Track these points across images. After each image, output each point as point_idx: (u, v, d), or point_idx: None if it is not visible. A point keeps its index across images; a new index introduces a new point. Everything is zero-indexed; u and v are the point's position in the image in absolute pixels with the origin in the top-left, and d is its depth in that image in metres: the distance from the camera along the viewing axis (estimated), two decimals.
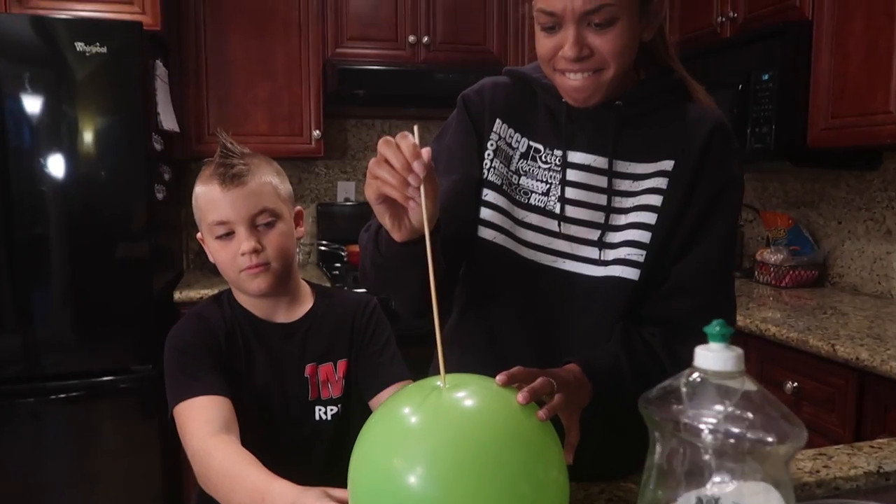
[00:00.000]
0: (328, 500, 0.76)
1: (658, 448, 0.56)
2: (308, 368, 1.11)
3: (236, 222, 1.03)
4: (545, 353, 0.97)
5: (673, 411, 0.54)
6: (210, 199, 1.04)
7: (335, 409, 1.13)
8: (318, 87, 2.88)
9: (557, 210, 0.98)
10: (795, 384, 1.81)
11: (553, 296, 0.99)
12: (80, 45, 2.15)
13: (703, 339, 0.97)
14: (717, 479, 0.52)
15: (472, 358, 1.02)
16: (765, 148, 2.21)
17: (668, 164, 0.96)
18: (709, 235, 0.96)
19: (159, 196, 2.43)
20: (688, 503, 0.57)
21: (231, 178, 1.03)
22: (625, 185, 0.98)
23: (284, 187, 1.10)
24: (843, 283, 2.46)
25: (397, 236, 0.84)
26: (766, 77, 2.21)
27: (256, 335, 1.10)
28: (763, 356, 1.93)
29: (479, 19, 3.06)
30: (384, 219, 0.83)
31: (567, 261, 0.98)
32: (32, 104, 2.14)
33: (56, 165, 2.19)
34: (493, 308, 1.03)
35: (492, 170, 1.01)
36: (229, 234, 1.05)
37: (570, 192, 0.98)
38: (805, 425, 0.53)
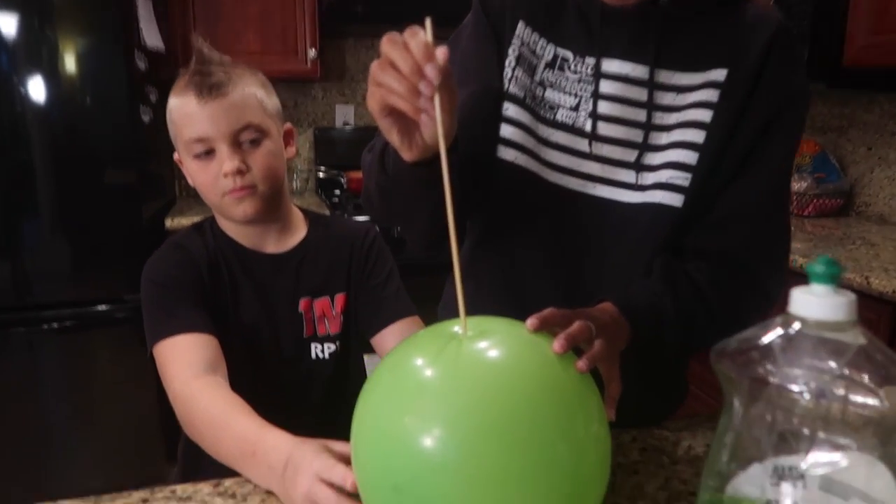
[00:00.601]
0: (327, 456, 0.66)
1: (736, 412, 0.45)
2: (302, 303, 1.01)
3: (216, 139, 0.91)
4: (572, 290, 0.86)
5: (758, 368, 0.43)
6: (186, 112, 0.91)
7: (333, 346, 1.03)
8: (312, 4, 2.67)
9: (588, 128, 0.85)
10: None
11: (582, 225, 0.87)
12: None
13: (755, 276, 0.86)
14: (816, 455, 0.41)
15: (488, 295, 0.91)
16: None
17: (719, 74, 0.82)
18: (766, 157, 0.83)
19: (146, 119, 2.27)
20: (765, 472, 0.47)
21: (209, 88, 0.89)
22: (667, 98, 0.84)
23: (271, 101, 0.97)
24: (870, 212, 2.34)
25: (407, 156, 0.71)
26: None
27: (243, 267, 0.99)
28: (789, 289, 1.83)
29: None
30: (391, 135, 0.70)
31: (598, 185, 0.86)
32: (5, 23, 1.98)
33: (35, 87, 2.05)
34: (513, 239, 0.91)
35: (513, 80, 0.88)
36: (209, 153, 0.92)
37: (604, 107, 0.85)
38: None
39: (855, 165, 2.38)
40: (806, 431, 0.42)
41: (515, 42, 0.88)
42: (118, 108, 2.13)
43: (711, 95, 0.82)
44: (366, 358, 1.12)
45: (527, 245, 0.90)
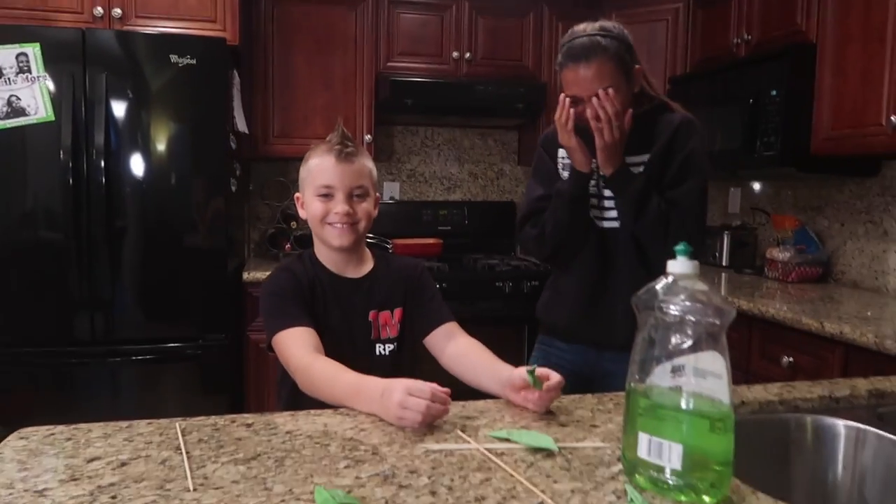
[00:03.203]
0: (413, 382, 1.03)
1: (645, 327, 0.84)
2: (371, 314, 1.40)
3: (338, 189, 1.33)
4: (598, 292, 1.59)
5: (654, 301, 0.83)
6: (325, 167, 1.34)
7: (392, 346, 1.41)
8: (370, 97, 3.21)
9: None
10: (791, 359, 2.06)
11: (606, 250, 1.56)
12: (174, 57, 2.50)
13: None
14: (677, 340, 0.80)
15: (563, 294, 1.66)
16: (773, 155, 2.47)
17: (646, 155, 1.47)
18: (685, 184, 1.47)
19: (233, 188, 2.76)
20: (665, 372, 0.85)
21: (345, 155, 1.34)
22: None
23: (375, 174, 1.41)
24: (845, 279, 2.70)
25: (583, 165, 1.48)
26: (774, 93, 2.48)
27: (331, 287, 1.39)
28: (765, 336, 2.18)
29: (516, 37, 3.37)
30: (571, 143, 1.48)
31: (607, 221, 1.53)
32: (130, 109, 2.50)
33: (136, 163, 2.54)
34: (571, 263, 1.61)
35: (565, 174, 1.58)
36: (328, 196, 1.34)
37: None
38: None
39: (831, 239, 2.76)
40: (677, 334, 0.81)
41: (560, 160, 1.56)
42: (217, 179, 2.62)
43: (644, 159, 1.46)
44: None
45: (577, 268, 1.59)
